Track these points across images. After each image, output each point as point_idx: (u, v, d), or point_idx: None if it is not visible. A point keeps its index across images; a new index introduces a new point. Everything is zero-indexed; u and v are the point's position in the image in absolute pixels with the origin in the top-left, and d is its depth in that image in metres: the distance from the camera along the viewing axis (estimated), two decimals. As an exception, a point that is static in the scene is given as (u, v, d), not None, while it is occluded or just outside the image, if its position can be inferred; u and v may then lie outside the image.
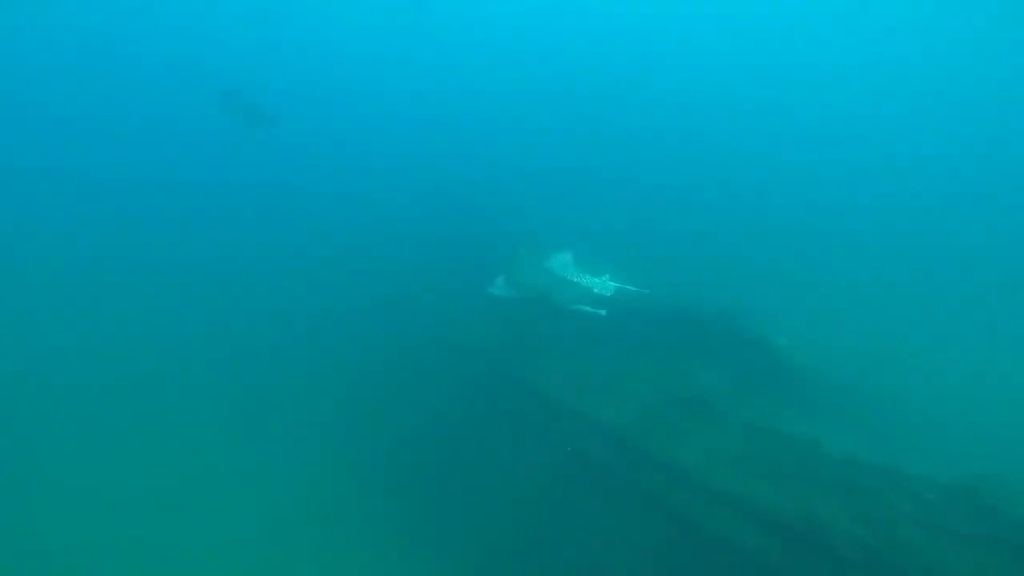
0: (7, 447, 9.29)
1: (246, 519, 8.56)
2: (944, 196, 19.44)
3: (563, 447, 8.69)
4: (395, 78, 32.21)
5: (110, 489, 8.82)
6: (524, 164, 20.70)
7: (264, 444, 9.98)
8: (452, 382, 10.50)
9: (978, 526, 6.35)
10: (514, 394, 9.81)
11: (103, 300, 13.76)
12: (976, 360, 10.78)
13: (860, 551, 6.15)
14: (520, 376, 9.92)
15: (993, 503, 6.72)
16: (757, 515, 6.98)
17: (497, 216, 15.47)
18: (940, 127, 25.85)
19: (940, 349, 11.04)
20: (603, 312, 10.46)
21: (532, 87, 30.35)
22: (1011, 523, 6.45)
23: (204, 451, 9.70)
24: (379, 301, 13.41)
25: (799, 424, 8.45)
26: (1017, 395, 9.60)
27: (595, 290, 10.98)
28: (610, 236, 13.60)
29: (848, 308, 12.47)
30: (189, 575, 7.75)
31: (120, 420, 10.18)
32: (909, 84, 30.16)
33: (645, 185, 19.45)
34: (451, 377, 10.58)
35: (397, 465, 9.64)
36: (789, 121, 26.89)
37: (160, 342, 12.60)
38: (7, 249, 15.25)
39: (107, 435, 9.81)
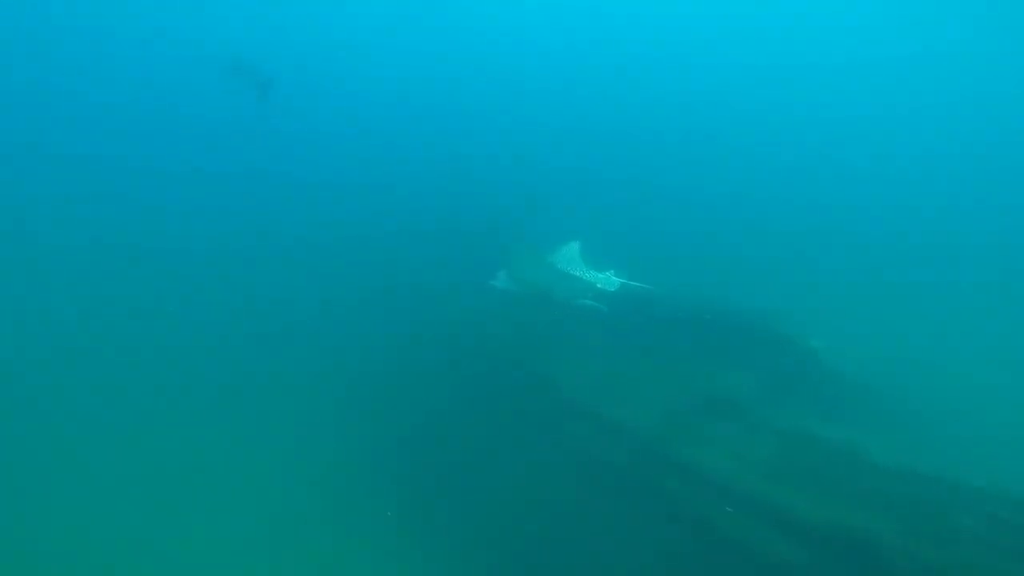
0: (8, 443, 8.90)
1: (249, 520, 8.11)
2: (984, 194, 18.66)
3: (579, 449, 8.01)
4: (402, 70, 31.57)
5: (107, 487, 8.40)
6: (527, 159, 20.18)
7: (265, 443, 9.50)
8: (459, 378, 9.99)
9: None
10: (525, 393, 9.18)
11: (94, 293, 13.24)
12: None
13: (919, 570, 5.36)
14: (531, 374, 9.32)
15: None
16: (795, 526, 6.22)
17: (501, 210, 14.97)
18: (966, 123, 25.12)
19: (986, 353, 10.29)
20: (605, 308, 10.16)
21: (540, 83, 29.77)
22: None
23: (205, 449, 9.22)
24: (382, 293, 12.91)
25: (837, 430, 7.70)
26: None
27: (599, 285, 10.71)
28: (615, 232, 13.18)
29: (879, 309, 11.75)
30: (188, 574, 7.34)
31: (117, 416, 9.73)
32: (921, 79, 29.51)
33: (650, 182, 18.86)
34: (458, 373, 10.07)
35: (402, 464, 9.12)
36: (803, 118, 26.24)
37: (159, 335, 12.08)
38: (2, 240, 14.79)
39: (104, 431, 9.38)
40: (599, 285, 10.71)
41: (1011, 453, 7.76)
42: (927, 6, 31.93)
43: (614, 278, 10.83)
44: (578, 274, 10.97)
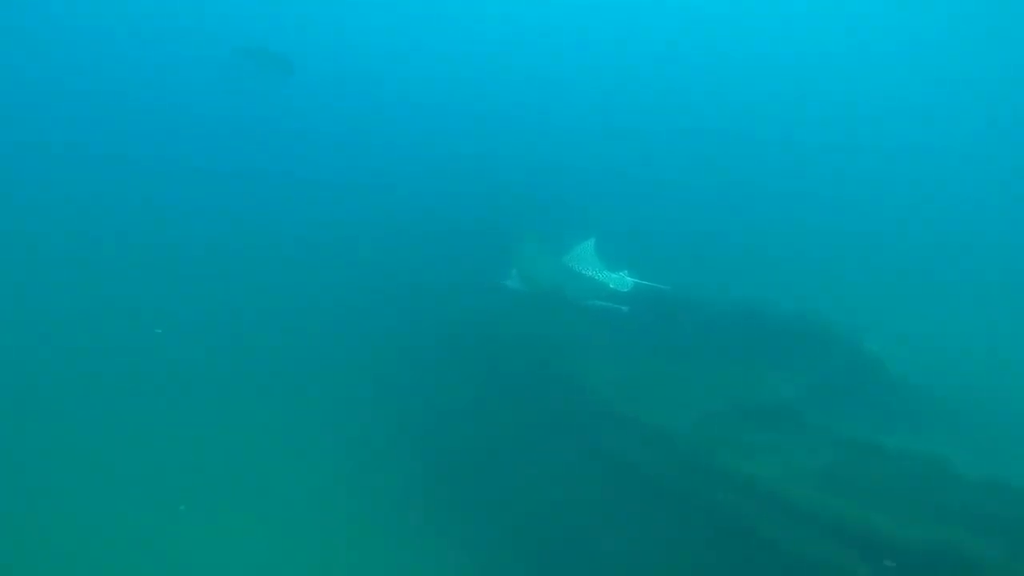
0: (17, 441, 8.35)
1: (265, 525, 7.52)
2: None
3: (611, 453, 7.17)
4: (413, 64, 30.51)
5: (114, 488, 7.81)
6: (539, 155, 19.20)
7: (280, 446, 8.89)
8: (477, 380, 9.28)
9: None
10: (549, 395, 8.39)
11: (97, 294, 12.56)
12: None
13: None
14: (554, 375, 8.54)
15: None
16: (871, 543, 5.30)
17: (512, 208, 14.26)
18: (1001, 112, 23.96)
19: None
20: (626, 308, 9.59)
21: (556, 78, 28.61)
22: None
23: (211, 450, 8.61)
24: (391, 293, 12.31)
25: (906, 439, 6.78)
26: None
27: (616, 285, 10.15)
28: (632, 231, 12.63)
29: (937, 309, 10.78)
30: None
31: (123, 417, 9.12)
32: (961, 62, 28.28)
33: (668, 177, 18.01)
34: (476, 375, 9.38)
35: (422, 465, 8.48)
36: (833, 109, 24.92)
37: (165, 336, 11.39)
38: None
39: (110, 433, 8.76)
40: (617, 285, 10.16)
41: None
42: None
43: (630, 278, 10.27)
44: (595, 273, 10.43)
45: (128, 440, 8.58)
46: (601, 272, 10.46)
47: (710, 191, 17.46)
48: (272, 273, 13.74)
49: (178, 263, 13.84)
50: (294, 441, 8.93)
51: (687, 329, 9.60)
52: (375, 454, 8.73)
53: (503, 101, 25.84)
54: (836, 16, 33.70)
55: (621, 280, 10.30)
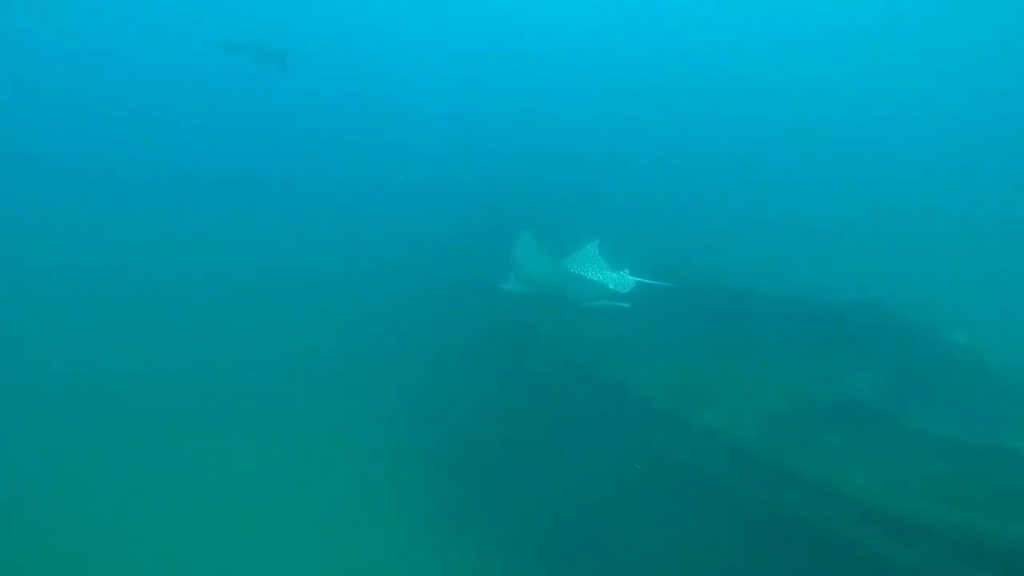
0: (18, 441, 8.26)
1: (286, 531, 7.30)
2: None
3: (670, 459, 6.22)
4: (412, 63, 30.11)
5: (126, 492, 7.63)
6: (533, 154, 18.63)
7: (294, 454, 8.66)
8: (507, 384, 8.75)
9: None
10: (588, 398, 7.51)
11: (83, 293, 12.51)
12: None
13: None
14: (594, 378, 7.61)
15: None
16: (1004, 555, 4.25)
17: (513, 208, 13.69)
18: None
19: None
20: (627, 305, 8.89)
21: (553, 77, 28.14)
22: None
23: (229, 458, 8.37)
24: (396, 295, 12.10)
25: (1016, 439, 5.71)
26: None
27: (613, 286, 9.35)
28: (639, 229, 12.13)
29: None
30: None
31: (125, 422, 8.94)
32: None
33: (671, 177, 17.41)
34: (504, 379, 8.87)
35: (453, 471, 8.09)
36: (853, 93, 24.33)
37: (170, 342, 11.21)
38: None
39: (113, 435, 8.63)
40: (619, 286, 9.33)
41: None
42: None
43: (629, 276, 9.46)
44: (607, 274, 9.61)
45: (132, 444, 8.43)
46: (615, 272, 9.70)
47: (727, 186, 16.96)
48: (268, 275, 13.52)
49: (172, 264, 13.64)
50: (307, 447, 8.61)
51: (732, 326, 8.66)
52: (398, 459, 8.36)
53: (503, 100, 25.52)
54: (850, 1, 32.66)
55: (622, 280, 9.50)
